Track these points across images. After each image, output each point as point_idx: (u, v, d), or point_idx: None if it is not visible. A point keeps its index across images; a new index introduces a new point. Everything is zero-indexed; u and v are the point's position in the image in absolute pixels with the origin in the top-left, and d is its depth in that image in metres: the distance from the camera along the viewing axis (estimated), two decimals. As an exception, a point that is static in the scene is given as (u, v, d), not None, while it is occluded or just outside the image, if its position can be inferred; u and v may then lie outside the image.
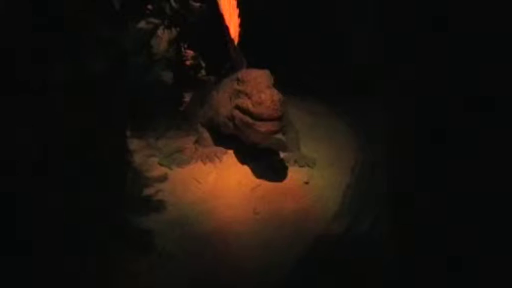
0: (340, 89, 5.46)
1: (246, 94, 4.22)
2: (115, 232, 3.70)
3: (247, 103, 4.16)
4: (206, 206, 4.01)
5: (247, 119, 4.16)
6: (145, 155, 4.86)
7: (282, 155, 4.76)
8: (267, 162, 4.72)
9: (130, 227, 3.78)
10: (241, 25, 5.40)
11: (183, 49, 5.44)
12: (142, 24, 4.79)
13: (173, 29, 5.12)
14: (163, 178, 4.53)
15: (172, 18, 4.94)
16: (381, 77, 4.35)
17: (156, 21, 4.84)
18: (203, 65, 5.64)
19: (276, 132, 4.19)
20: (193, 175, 4.49)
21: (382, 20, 4.33)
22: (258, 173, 4.49)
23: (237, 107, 4.21)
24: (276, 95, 4.04)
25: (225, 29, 5.11)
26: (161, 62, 5.11)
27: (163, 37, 5.03)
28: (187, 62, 5.60)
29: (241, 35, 5.39)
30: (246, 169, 4.58)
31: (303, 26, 5.99)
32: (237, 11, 5.44)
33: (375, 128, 4.54)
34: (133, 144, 4.90)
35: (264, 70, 4.36)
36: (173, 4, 4.88)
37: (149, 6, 4.80)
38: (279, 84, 4.19)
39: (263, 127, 4.07)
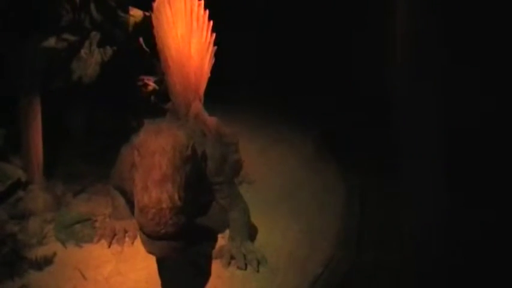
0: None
1: (138, 178, 2.79)
2: None
3: (136, 192, 2.74)
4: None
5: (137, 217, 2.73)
6: (45, 219, 3.52)
7: (222, 241, 3.50)
8: (189, 256, 3.16)
9: None
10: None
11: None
12: (51, 42, 3.36)
13: (107, 48, 3.64)
14: (46, 262, 3.33)
15: (96, 34, 3.43)
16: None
17: (71, 37, 3.38)
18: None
19: (170, 254, 2.78)
20: (84, 263, 3.34)
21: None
22: (172, 273, 3.19)
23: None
24: (171, 198, 2.63)
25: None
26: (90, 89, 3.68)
27: (91, 59, 3.57)
28: (148, 87, 4.11)
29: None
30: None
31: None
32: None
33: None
34: (38, 196, 3.67)
35: (171, 132, 2.93)
36: (95, 15, 3.39)
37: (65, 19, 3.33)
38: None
39: (148, 246, 2.70)
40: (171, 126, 3.08)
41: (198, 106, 3.90)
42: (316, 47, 5.77)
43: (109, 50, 3.79)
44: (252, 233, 3.56)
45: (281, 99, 5.81)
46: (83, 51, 3.70)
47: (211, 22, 4.20)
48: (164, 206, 2.59)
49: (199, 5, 4.06)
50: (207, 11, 4.16)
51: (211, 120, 3.93)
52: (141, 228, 2.67)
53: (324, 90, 5.56)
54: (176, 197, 2.63)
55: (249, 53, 6.28)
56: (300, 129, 5.26)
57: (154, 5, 3.69)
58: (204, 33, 4.11)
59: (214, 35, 4.23)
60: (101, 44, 3.75)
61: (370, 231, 3.66)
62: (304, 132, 5.17)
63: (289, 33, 6.05)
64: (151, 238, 2.65)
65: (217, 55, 5.35)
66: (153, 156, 2.77)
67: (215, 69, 5.68)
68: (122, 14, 3.76)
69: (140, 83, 4.19)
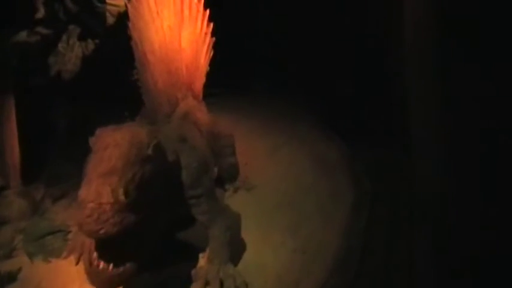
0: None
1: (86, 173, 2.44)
2: None
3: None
4: None
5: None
6: (17, 228, 3.25)
7: (202, 261, 3.09)
8: (162, 276, 2.79)
9: None
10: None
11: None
12: (22, 36, 3.03)
13: (89, 41, 3.29)
14: (9, 278, 3.11)
15: (75, 27, 3.07)
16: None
17: (45, 31, 3.04)
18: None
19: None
20: (49, 281, 3.06)
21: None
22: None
23: None
24: (113, 191, 2.25)
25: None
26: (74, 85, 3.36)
27: (71, 53, 3.23)
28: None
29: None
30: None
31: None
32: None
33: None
34: (13, 202, 3.47)
35: (131, 128, 2.62)
36: (69, 6, 3.03)
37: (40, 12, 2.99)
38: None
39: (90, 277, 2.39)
40: (134, 125, 2.70)
41: (190, 104, 3.50)
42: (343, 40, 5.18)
43: (91, 44, 3.42)
44: (238, 250, 3.14)
45: (302, 91, 5.29)
46: (60, 46, 3.36)
47: (207, 11, 3.74)
48: (104, 200, 2.23)
49: (192, -8, 3.62)
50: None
51: (206, 120, 3.53)
52: (79, 228, 2.31)
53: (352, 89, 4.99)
54: (120, 192, 2.27)
55: (274, 39, 5.73)
56: (316, 126, 4.74)
57: (133, -7, 3.27)
58: (199, 23, 3.70)
59: (211, 25, 3.78)
60: (81, 38, 3.36)
61: (374, 255, 3.15)
62: (320, 130, 4.64)
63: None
64: (90, 238, 2.33)
65: (238, 45, 5.07)
66: (105, 150, 2.45)
67: (233, 60, 5.40)
68: (99, 4, 3.36)
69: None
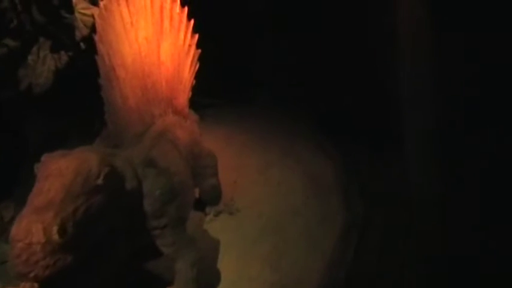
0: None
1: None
2: None
3: None
4: None
5: None
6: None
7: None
8: None
9: None
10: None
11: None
12: None
13: (62, 54, 3.08)
14: None
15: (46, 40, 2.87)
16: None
17: (12, 43, 2.85)
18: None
19: None
20: None
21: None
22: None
23: None
24: (45, 230, 2.03)
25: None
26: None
27: (43, 66, 3.02)
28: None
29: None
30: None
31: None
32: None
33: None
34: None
35: (80, 154, 2.39)
36: (37, 17, 2.82)
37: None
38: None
39: None
40: (87, 150, 2.44)
41: (169, 121, 3.26)
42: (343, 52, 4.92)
43: (64, 56, 3.18)
44: (211, 282, 2.88)
45: (304, 104, 5.01)
46: (30, 58, 3.12)
47: (192, 21, 3.49)
48: (34, 239, 2.00)
49: (173, 1, 3.37)
50: (186, 9, 3.45)
51: (186, 138, 3.27)
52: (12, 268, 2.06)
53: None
54: (54, 230, 2.02)
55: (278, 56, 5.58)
56: (315, 141, 4.45)
57: (102, 3, 3.02)
58: (181, 34, 3.43)
59: (196, 36, 3.53)
60: (54, 50, 3.14)
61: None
62: (318, 146, 4.36)
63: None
64: (21, 280, 2.06)
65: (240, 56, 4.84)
66: (46, 180, 2.21)
67: (234, 71, 5.17)
68: (67, 15, 3.12)
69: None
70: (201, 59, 3.63)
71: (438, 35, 3.07)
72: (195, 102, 4.75)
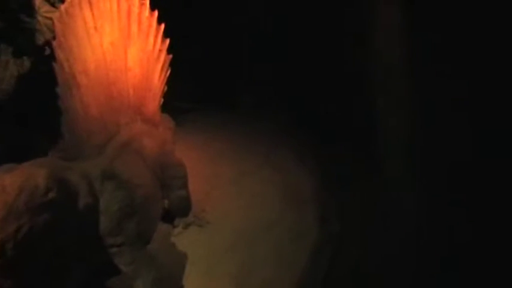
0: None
1: None
2: None
3: None
4: None
5: None
6: None
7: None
8: None
9: None
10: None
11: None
12: None
13: (25, 59, 2.93)
14: None
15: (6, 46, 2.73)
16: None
17: None
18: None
19: None
20: None
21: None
22: None
23: None
24: None
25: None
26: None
27: (5, 72, 2.87)
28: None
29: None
30: None
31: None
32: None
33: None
34: None
35: (27, 169, 2.25)
36: None
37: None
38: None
39: None
40: (38, 163, 2.30)
41: (136, 130, 3.11)
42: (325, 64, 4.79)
43: (27, 62, 3.02)
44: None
45: (288, 109, 4.87)
46: (-11, 65, 2.96)
47: (162, 26, 3.34)
48: None
49: (142, 5, 3.21)
50: (155, 13, 3.30)
51: (154, 147, 3.12)
52: None
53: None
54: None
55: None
56: (295, 150, 4.30)
57: (63, 7, 2.86)
58: (151, 39, 3.28)
59: (167, 41, 3.38)
60: (16, 55, 2.99)
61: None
62: (298, 156, 4.21)
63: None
64: None
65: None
66: None
67: (219, 74, 5.04)
68: (28, 19, 2.97)
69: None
70: (184, 63, 3.49)
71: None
72: (175, 107, 4.64)
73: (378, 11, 3.57)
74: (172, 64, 3.56)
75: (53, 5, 3.07)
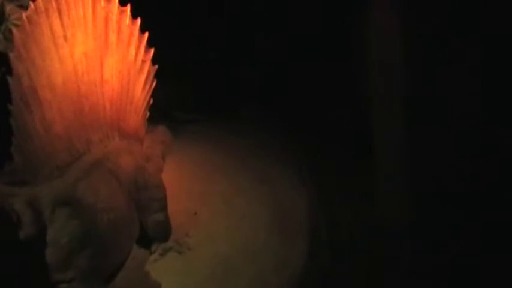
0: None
1: None
2: None
3: None
4: None
5: None
6: None
7: None
8: None
9: None
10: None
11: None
12: None
13: None
14: None
15: None
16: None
17: None
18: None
19: None
20: None
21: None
22: None
23: None
24: None
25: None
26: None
27: None
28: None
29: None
30: None
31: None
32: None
33: None
34: None
35: None
36: None
37: None
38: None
39: None
40: None
41: (111, 147, 2.87)
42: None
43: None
44: None
45: (289, 123, 4.60)
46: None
47: (146, 34, 3.09)
48: None
49: (121, 12, 2.96)
50: (138, 21, 3.05)
51: (131, 166, 2.88)
52: None
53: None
54: None
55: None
56: (293, 167, 4.01)
57: (25, 15, 2.63)
58: (132, 49, 3.04)
59: (151, 50, 3.13)
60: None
61: None
62: (295, 174, 3.92)
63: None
64: None
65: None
66: None
67: (222, 85, 4.82)
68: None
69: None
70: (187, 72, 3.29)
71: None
72: (176, 118, 4.41)
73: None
74: (174, 73, 3.32)
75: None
